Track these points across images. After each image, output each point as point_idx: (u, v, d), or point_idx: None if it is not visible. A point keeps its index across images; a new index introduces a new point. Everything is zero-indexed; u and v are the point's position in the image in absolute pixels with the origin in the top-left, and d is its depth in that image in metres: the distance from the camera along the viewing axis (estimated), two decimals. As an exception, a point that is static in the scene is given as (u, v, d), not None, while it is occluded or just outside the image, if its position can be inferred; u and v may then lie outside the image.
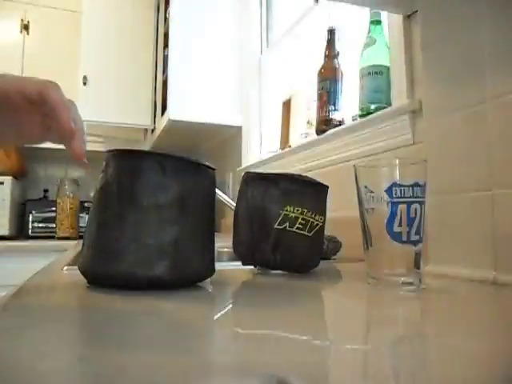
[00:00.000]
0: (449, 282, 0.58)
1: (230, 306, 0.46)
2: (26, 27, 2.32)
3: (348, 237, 0.94)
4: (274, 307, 0.43)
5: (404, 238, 0.51)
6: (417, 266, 0.52)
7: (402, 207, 0.51)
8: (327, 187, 0.66)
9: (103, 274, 0.47)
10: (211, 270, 0.54)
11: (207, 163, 0.53)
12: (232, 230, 0.68)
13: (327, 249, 0.86)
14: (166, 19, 2.17)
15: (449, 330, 0.34)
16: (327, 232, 0.86)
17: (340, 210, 1.06)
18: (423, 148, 0.69)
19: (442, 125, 0.64)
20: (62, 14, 2.39)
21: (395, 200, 0.51)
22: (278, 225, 0.61)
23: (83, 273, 0.50)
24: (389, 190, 0.51)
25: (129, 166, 0.49)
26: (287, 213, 0.61)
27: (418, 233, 0.51)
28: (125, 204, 0.48)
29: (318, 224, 0.63)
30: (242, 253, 0.65)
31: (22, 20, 2.32)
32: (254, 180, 0.65)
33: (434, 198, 0.64)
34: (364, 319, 0.41)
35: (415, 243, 0.52)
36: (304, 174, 0.70)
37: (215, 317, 0.40)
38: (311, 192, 0.63)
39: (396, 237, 0.51)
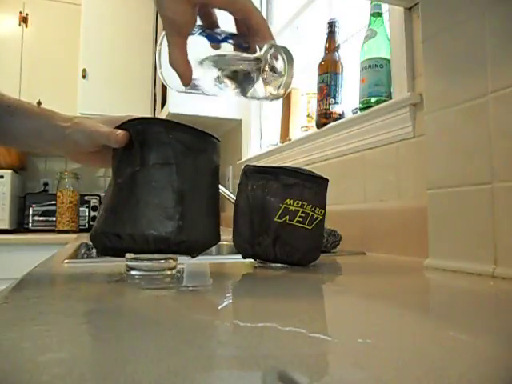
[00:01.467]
0: (448, 275, 0.58)
1: (230, 298, 0.47)
2: (24, 20, 2.31)
3: (348, 230, 0.95)
4: (274, 300, 0.43)
5: None
6: None
7: None
8: (327, 180, 0.66)
9: (114, 234, 0.49)
10: (217, 237, 0.55)
11: (214, 134, 0.55)
12: (232, 224, 0.68)
13: (327, 242, 0.86)
14: (165, 12, 2.16)
15: (448, 324, 0.34)
16: (327, 225, 0.86)
17: (340, 204, 1.06)
18: (424, 141, 0.69)
19: (443, 118, 0.63)
20: (61, 6, 2.38)
21: None
22: (278, 218, 0.61)
23: (94, 238, 0.51)
24: None
25: (136, 132, 0.51)
26: (287, 206, 0.61)
27: None
28: (132, 168, 0.50)
29: (318, 217, 0.63)
30: (242, 246, 0.65)
31: (20, 12, 2.31)
32: (254, 173, 0.65)
33: (435, 192, 0.64)
34: (364, 312, 0.41)
35: None
36: (304, 167, 0.70)
37: (215, 309, 0.40)
38: (311, 185, 0.63)
39: None
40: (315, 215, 0.63)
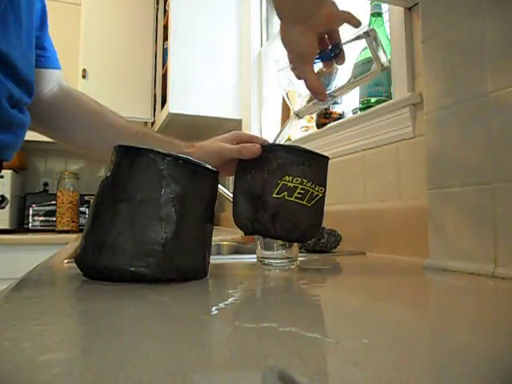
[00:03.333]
0: (448, 275, 0.58)
1: (230, 298, 0.47)
2: (24, 20, 2.31)
3: (348, 230, 0.95)
4: (273, 300, 0.43)
5: None
6: None
7: None
8: (327, 158, 0.66)
9: (91, 266, 0.48)
10: (201, 273, 0.53)
11: (208, 166, 0.53)
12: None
13: (327, 242, 0.86)
14: (165, 12, 2.16)
15: (448, 324, 0.34)
16: (327, 225, 0.86)
17: (340, 204, 1.07)
18: (424, 141, 0.69)
19: (443, 118, 0.63)
20: (61, 6, 2.37)
21: None
22: (277, 194, 0.61)
23: (76, 264, 0.50)
24: None
25: (126, 162, 0.49)
26: (286, 182, 0.61)
27: None
28: (116, 198, 0.48)
29: (318, 195, 0.63)
30: (242, 222, 0.65)
31: (20, 12, 2.31)
32: None
33: (434, 192, 0.64)
34: (364, 312, 0.41)
35: None
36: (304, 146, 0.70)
37: (214, 310, 0.40)
38: (311, 163, 0.63)
39: None
40: (315, 192, 0.62)
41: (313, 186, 0.62)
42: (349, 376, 0.22)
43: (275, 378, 0.20)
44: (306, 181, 0.62)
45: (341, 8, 0.56)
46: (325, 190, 0.64)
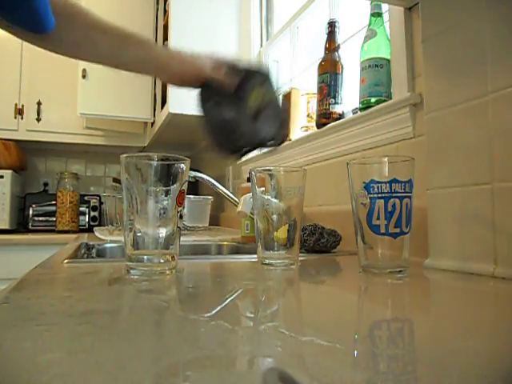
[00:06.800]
0: (448, 275, 0.58)
1: (230, 298, 0.47)
2: (24, 20, 2.31)
3: (348, 230, 0.94)
4: (273, 300, 0.43)
5: (382, 231, 0.54)
6: (402, 256, 0.55)
7: (379, 202, 0.54)
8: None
9: None
10: None
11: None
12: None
13: (327, 242, 0.86)
14: (165, 12, 2.16)
15: (448, 324, 0.34)
16: (327, 225, 0.86)
17: (340, 204, 1.07)
18: (424, 141, 0.69)
19: (443, 118, 0.63)
20: (60, 6, 2.37)
21: (372, 195, 0.55)
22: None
23: None
24: (367, 186, 0.56)
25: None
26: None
27: (397, 226, 0.53)
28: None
29: None
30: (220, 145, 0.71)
31: (20, 12, 2.30)
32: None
33: (435, 192, 0.64)
34: (364, 312, 0.41)
35: (395, 235, 0.54)
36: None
37: (214, 310, 0.40)
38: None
39: (375, 229, 0.54)
40: None
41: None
42: (349, 376, 0.22)
43: (275, 378, 0.20)
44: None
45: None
46: None
